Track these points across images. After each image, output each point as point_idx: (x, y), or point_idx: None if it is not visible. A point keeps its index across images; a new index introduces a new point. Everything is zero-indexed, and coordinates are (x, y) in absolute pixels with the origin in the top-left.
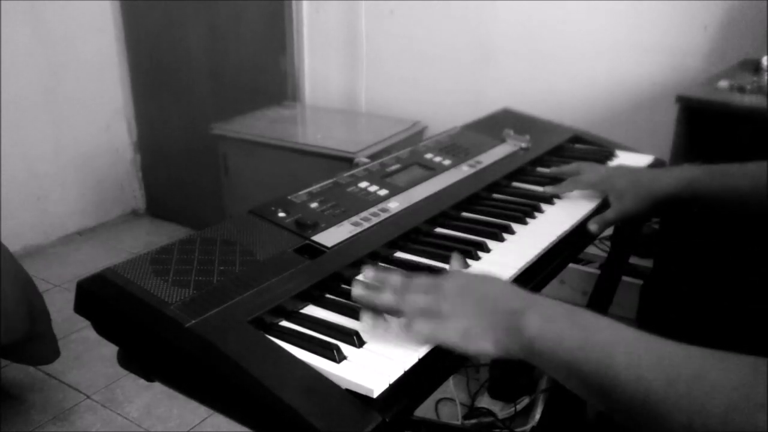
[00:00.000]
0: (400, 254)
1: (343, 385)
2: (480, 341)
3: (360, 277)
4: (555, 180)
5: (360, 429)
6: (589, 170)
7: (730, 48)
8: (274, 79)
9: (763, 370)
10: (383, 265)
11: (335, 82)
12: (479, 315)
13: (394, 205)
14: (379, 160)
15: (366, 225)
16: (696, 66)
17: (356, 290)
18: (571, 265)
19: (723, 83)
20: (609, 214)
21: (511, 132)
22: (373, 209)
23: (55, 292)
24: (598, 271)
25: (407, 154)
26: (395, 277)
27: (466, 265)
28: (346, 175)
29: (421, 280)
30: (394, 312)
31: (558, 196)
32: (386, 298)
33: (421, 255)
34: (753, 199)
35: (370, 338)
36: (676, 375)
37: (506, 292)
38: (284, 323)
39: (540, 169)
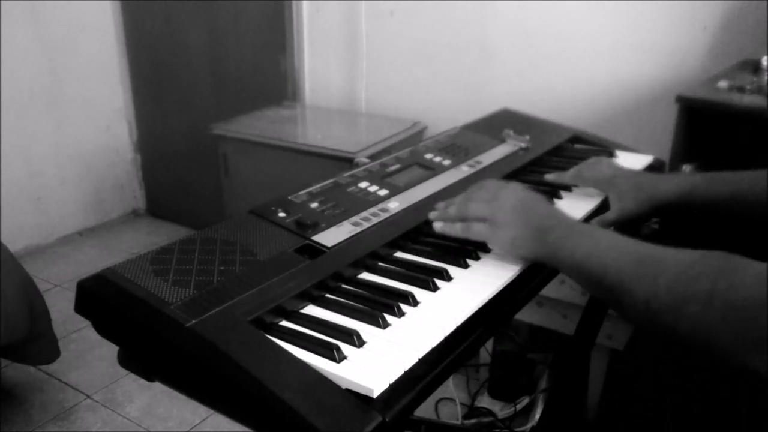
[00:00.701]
0: (400, 254)
1: (343, 385)
2: (521, 249)
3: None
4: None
5: (360, 429)
6: (593, 167)
7: (730, 48)
8: (274, 79)
9: (708, 254)
10: (383, 265)
11: (335, 82)
12: (525, 228)
13: (394, 205)
14: (379, 160)
15: (366, 225)
16: (696, 66)
17: (436, 224)
18: None
19: (723, 83)
20: (609, 215)
21: (511, 132)
22: (373, 209)
23: (56, 292)
24: None
25: (407, 154)
26: (457, 198)
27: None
28: (346, 175)
29: (480, 192)
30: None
31: (558, 195)
32: (452, 210)
33: (421, 255)
34: (753, 206)
35: (370, 338)
36: (644, 265)
37: (546, 212)
38: (284, 323)
39: (548, 176)
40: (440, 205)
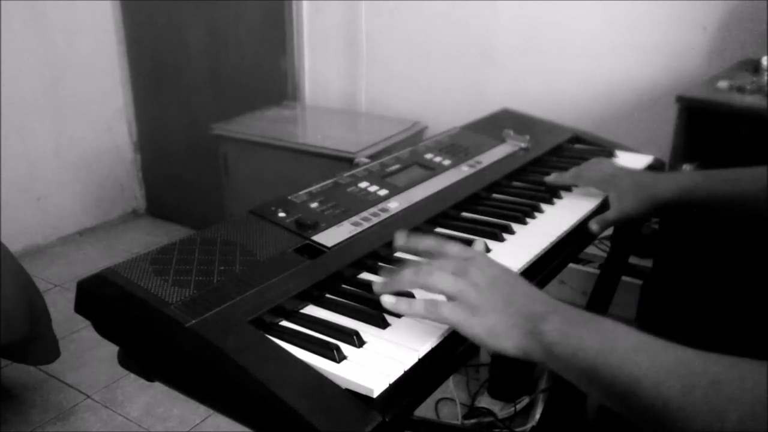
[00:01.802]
0: (400, 254)
1: (343, 385)
2: (503, 340)
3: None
4: (554, 190)
5: (360, 429)
6: (593, 168)
7: (730, 48)
8: (274, 79)
9: None
10: (383, 265)
11: (335, 82)
12: (505, 313)
13: (394, 205)
14: (379, 160)
15: (366, 225)
16: (696, 66)
17: (377, 287)
18: (570, 265)
19: (723, 83)
20: (609, 214)
21: (511, 132)
22: (373, 209)
23: (56, 292)
24: (597, 271)
25: (407, 154)
26: (413, 261)
27: (488, 250)
28: (346, 175)
29: (445, 260)
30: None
31: (558, 195)
32: (407, 275)
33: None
34: (753, 204)
35: (370, 338)
36: (693, 382)
37: (531, 295)
38: (284, 323)
39: (548, 179)
40: (385, 270)
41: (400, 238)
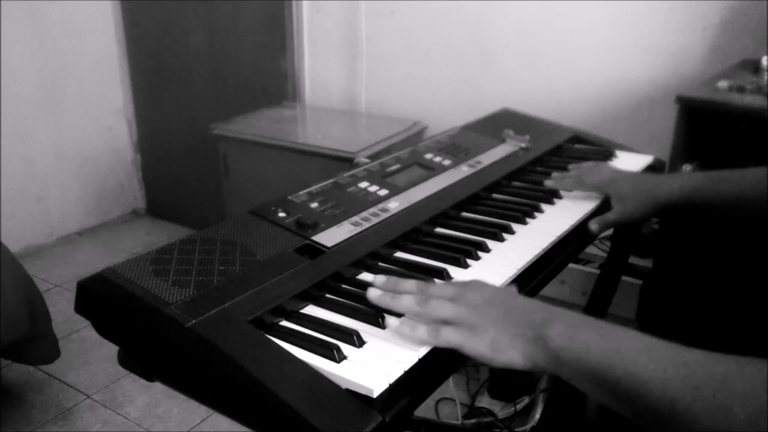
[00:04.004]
0: (400, 254)
1: (343, 385)
2: (507, 352)
3: (374, 279)
4: (555, 190)
5: (360, 429)
6: (593, 172)
7: (730, 48)
8: (274, 79)
9: None
10: (383, 265)
11: (335, 82)
12: (506, 326)
13: (394, 205)
14: (379, 160)
15: (366, 225)
16: (695, 66)
17: (372, 293)
18: (570, 265)
19: (722, 83)
20: (610, 216)
21: (511, 132)
22: (373, 209)
23: (56, 292)
24: (597, 271)
25: (407, 154)
26: (410, 283)
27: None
28: (346, 175)
29: (442, 287)
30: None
31: (558, 195)
32: (407, 302)
33: (421, 255)
34: (754, 204)
35: (370, 338)
36: (701, 382)
37: (529, 304)
38: (284, 323)
39: (541, 169)
40: (381, 280)
41: (374, 292)
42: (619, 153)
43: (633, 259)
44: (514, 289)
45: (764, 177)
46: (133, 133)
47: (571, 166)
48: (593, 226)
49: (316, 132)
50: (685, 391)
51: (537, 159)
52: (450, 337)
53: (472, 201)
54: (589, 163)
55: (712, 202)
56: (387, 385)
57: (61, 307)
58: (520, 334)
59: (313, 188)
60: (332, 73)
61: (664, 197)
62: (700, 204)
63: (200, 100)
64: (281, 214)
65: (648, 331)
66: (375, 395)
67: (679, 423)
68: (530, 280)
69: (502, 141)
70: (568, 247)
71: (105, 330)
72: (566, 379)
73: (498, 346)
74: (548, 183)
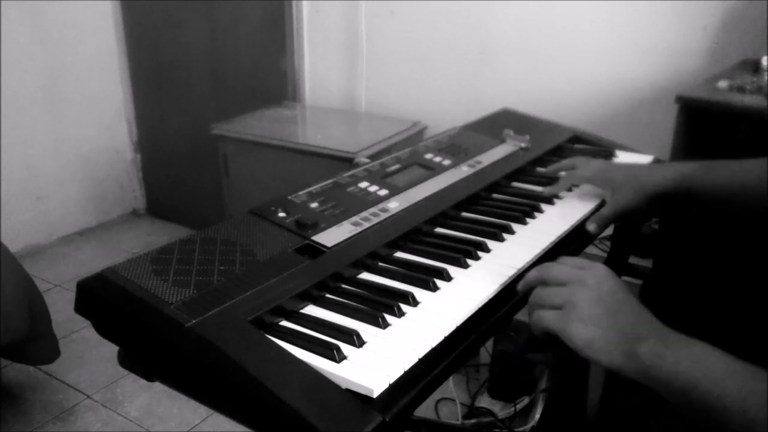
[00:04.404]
0: (400, 254)
1: (343, 385)
2: (599, 354)
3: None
4: (553, 179)
5: (360, 429)
6: (585, 164)
7: (730, 48)
8: (274, 79)
9: None
10: (383, 265)
11: (335, 82)
12: (607, 329)
13: (394, 205)
14: (379, 160)
15: (366, 225)
16: (696, 66)
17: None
18: None
19: (723, 83)
20: (605, 210)
21: (511, 132)
22: (373, 209)
23: (56, 292)
24: None
25: (407, 154)
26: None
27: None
28: (346, 175)
29: (563, 268)
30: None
31: (558, 195)
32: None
33: (421, 255)
34: (749, 194)
35: (370, 338)
36: None
37: (637, 314)
38: (284, 323)
39: (539, 169)
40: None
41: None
42: (619, 153)
43: (633, 259)
44: (626, 287)
45: (760, 167)
46: (133, 132)
47: (564, 162)
48: (591, 226)
49: (316, 132)
50: (764, 415)
51: (537, 159)
52: (550, 322)
53: (472, 201)
54: (579, 158)
55: (705, 190)
56: (387, 385)
57: (61, 307)
58: (616, 343)
59: (313, 188)
60: (332, 73)
61: (657, 185)
62: (694, 193)
63: (200, 100)
64: (281, 214)
65: None
66: (375, 395)
67: None
68: None
69: (502, 141)
70: (568, 247)
71: (105, 330)
72: (654, 389)
73: (594, 346)
74: (545, 190)
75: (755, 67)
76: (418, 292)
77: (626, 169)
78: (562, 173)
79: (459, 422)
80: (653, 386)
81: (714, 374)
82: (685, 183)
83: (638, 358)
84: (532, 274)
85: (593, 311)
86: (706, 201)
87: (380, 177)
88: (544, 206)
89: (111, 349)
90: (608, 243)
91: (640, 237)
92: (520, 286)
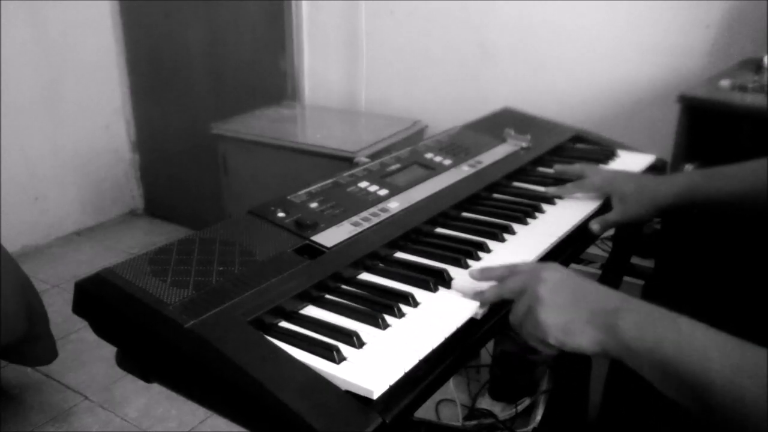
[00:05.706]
0: (400, 254)
1: (343, 387)
2: (578, 337)
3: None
4: (558, 180)
5: (360, 430)
6: (593, 173)
7: (732, 47)
8: (274, 79)
9: None
10: (383, 265)
11: (335, 82)
12: (577, 310)
13: (394, 205)
14: (379, 160)
15: (366, 225)
16: (697, 65)
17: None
18: (572, 265)
19: (724, 82)
20: (611, 216)
21: (512, 131)
22: (373, 209)
23: (54, 293)
24: (599, 272)
25: (407, 153)
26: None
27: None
28: (346, 175)
29: (520, 265)
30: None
31: (560, 197)
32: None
33: (421, 255)
34: (754, 199)
35: (370, 339)
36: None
37: (603, 291)
38: (284, 324)
39: (542, 169)
40: (484, 273)
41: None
42: (620, 152)
43: (635, 260)
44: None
45: (761, 169)
46: (132, 132)
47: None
48: (594, 226)
49: (316, 131)
50: (754, 386)
51: (538, 159)
52: (531, 329)
53: (473, 201)
54: (587, 165)
55: (712, 200)
56: (387, 387)
57: (59, 307)
58: (592, 321)
59: (313, 188)
60: (332, 73)
61: (664, 198)
62: (700, 202)
63: (199, 100)
64: (280, 214)
65: None
66: (375, 397)
67: (747, 415)
68: None
69: (503, 140)
70: (570, 247)
71: (103, 331)
72: (634, 368)
73: (569, 329)
74: (550, 190)
75: (757, 66)
76: (419, 293)
77: (634, 181)
78: (569, 184)
79: (460, 424)
80: (633, 362)
81: (699, 345)
82: (688, 195)
83: (618, 332)
84: (489, 294)
85: (557, 299)
86: (713, 209)
87: (380, 177)
88: (545, 206)
89: (109, 350)
90: (610, 243)
91: (642, 237)
92: (480, 304)
